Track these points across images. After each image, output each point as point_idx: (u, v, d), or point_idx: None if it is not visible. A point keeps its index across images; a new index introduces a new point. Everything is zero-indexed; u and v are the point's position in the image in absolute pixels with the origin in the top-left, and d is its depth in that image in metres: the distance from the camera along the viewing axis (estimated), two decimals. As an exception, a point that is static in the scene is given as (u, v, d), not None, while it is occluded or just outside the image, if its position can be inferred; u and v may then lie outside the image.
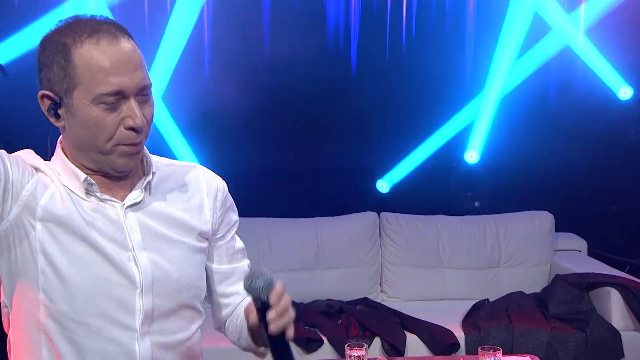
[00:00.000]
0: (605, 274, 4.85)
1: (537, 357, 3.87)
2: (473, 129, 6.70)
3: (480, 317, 4.80)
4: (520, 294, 5.06)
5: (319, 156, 6.63)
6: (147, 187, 1.76)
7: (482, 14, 6.94)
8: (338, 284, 5.26)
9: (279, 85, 6.62)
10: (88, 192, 1.68)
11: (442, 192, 6.49)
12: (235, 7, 6.65)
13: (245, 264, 2.04)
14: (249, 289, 1.69)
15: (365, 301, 5.07)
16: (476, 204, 6.36)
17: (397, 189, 6.67)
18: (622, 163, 6.49)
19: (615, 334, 4.46)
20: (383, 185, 6.42)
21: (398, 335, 4.63)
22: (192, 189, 1.87)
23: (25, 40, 6.62)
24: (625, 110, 6.70)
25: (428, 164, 6.58)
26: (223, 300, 1.97)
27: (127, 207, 1.73)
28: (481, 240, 5.35)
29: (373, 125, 6.74)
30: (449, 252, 5.34)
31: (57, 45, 1.63)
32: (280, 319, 1.61)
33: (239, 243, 2.03)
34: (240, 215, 3.99)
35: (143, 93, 1.66)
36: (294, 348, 4.41)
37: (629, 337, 4.48)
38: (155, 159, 1.85)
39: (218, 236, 1.95)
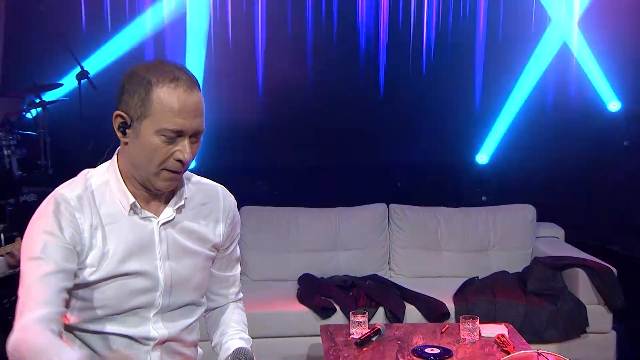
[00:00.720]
0: (576, 257, 4.90)
1: (510, 325, 4.14)
2: (487, 136, 7.03)
3: (469, 291, 4.93)
4: (504, 272, 5.18)
5: (344, 157, 6.92)
6: (179, 208, 1.89)
7: (491, 41, 7.22)
8: (352, 263, 5.37)
9: (318, 103, 7.02)
10: (131, 211, 1.81)
11: (453, 188, 6.68)
12: (285, 44, 7.11)
13: (237, 272, 2.16)
14: None
15: (374, 277, 5.19)
16: (483, 198, 6.49)
17: (409, 184, 6.96)
18: (603, 166, 6.63)
19: (581, 308, 4.57)
20: (399, 184, 6.70)
21: (399, 306, 4.75)
22: (211, 206, 1.99)
23: (110, 52, 6.84)
24: (612, 120, 6.95)
25: (440, 164, 6.84)
26: (212, 297, 2.12)
27: (161, 225, 1.86)
28: (473, 227, 5.44)
29: (391, 133, 7.04)
30: (446, 237, 5.46)
31: (143, 80, 1.74)
32: None
33: (237, 253, 2.16)
34: (275, 205, 4.44)
35: (196, 135, 1.79)
36: (312, 316, 4.77)
37: (593, 310, 4.59)
38: (185, 176, 1.95)
39: (224, 247, 2.07)
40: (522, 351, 3.48)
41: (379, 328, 3.94)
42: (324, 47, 7.36)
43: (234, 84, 7.25)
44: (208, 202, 1.98)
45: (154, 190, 1.82)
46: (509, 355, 3.43)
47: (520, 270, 5.18)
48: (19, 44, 6.95)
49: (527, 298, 4.72)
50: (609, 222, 6.58)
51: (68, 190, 1.80)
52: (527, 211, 5.41)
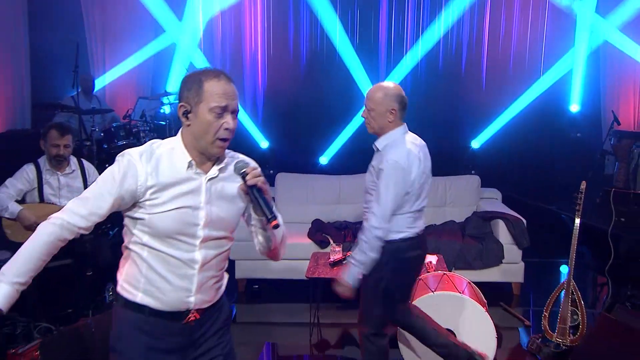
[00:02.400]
0: (499, 212, 5.18)
1: (441, 256, 4.48)
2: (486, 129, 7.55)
3: (427, 234, 4.94)
4: (452, 221, 5.48)
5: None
6: (221, 169, 1.95)
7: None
8: (351, 213, 5.61)
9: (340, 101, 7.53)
10: (188, 167, 1.86)
11: (454, 164, 7.04)
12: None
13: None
14: (235, 169, 1.94)
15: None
16: (472, 172, 6.71)
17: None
18: (558, 152, 7.07)
19: (500, 246, 4.88)
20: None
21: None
22: None
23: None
24: (571, 118, 7.47)
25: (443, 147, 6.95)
26: (252, 230, 2.09)
27: (208, 180, 1.91)
28: (435, 190, 5.54)
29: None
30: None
31: (195, 79, 1.85)
32: (253, 178, 1.89)
33: None
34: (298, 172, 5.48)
35: (234, 112, 1.89)
36: (314, 247, 4.98)
37: (508, 248, 4.88)
38: (226, 152, 1.99)
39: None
40: (434, 272, 4.01)
41: (345, 257, 4.16)
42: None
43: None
44: None
45: (209, 155, 1.88)
46: (426, 274, 3.97)
47: (462, 220, 5.42)
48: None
49: (464, 239, 5.01)
50: (551, 190, 6.91)
51: (137, 151, 1.87)
52: (474, 180, 5.69)
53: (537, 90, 7.52)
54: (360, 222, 5.16)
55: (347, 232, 5.16)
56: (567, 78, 7.45)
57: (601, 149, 6.72)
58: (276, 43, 7.81)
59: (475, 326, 3.55)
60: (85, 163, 4.45)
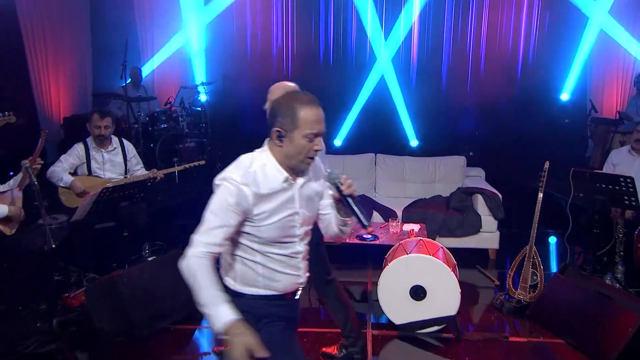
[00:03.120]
0: (480, 187, 5.27)
1: (423, 224, 4.63)
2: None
3: (415, 205, 5.35)
4: (439, 196, 5.58)
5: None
6: (308, 178, 1.99)
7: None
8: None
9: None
10: (284, 181, 1.89)
11: (450, 148, 6.64)
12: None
13: (328, 200, 2.08)
14: (328, 180, 1.98)
15: (363, 196, 5.46)
16: (471, 153, 6.80)
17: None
18: (548, 137, 6.95)
19: (479, 217, 5.02)
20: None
21: (367, 211, 4.56)
22: (318, 171, 2.07)
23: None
24: (562, 106, 7.37)
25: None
26: (322, 217, 2.14)
27: (299, 188, 1.96)
28: (426, 168, 5.79)
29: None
30: (409, 173, 5.86)
31: (290, 107, 1.85)
32: (348, 188, 1.94)
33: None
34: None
35: (323, 135, 1.93)
36: None
37: (485, 219, 5.02)
38: None
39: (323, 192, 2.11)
40: (413, 237, 4.11)
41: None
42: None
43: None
44: (319, 170, 2.08)
45: (299, 170, 1.93)
46: (407, 239, 4.04)
47: (448, 195, 5.51)
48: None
49: (447, 211, 5.12)
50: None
51: (236, 173, 1.87)
52: (461, 160, 5.77)
53: (531, 79, 7.44)
54: (360, 196, 5.08)
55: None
56: (563, 67, 7.33)
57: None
58: (299, 39, 7.88)
59: (442, 283, 3.68)
60: (125, 142, 4.71)
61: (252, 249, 1.93)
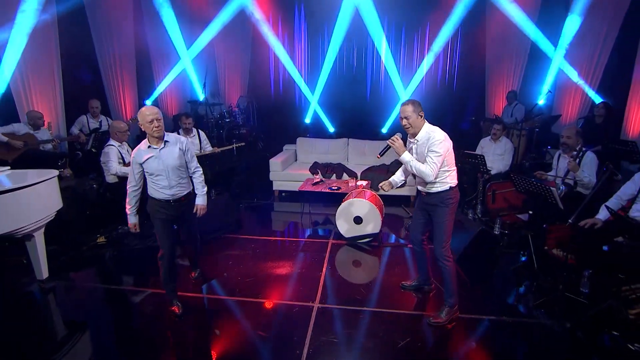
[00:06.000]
0: None
1: (370, 181, 4.61)
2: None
3: (368, 170, 5.17)
4: (383, 164, 5.27)
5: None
6: (415, 141, 2.17)
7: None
8: (332, 159, 5.57)
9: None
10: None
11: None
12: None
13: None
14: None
15: (339, 164, 5.40)
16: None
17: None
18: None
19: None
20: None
21: (341, 174, 5.08)
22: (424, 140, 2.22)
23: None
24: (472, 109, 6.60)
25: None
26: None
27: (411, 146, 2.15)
28: (377, 147, 5.46)
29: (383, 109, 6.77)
30: (368, 150, 5.65)
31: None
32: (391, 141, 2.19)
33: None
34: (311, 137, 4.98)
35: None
36: (310, 175, 4.86)
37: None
38: (427, 128, 2.15)
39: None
40: (359, 189, 4.20)
41: (322, 180, 4.44)
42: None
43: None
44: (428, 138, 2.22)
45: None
46: (355, 190, 4.18)
47: (389, 164, 5.19)
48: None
49: (387, 172, 4.87)
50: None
51: (441, 134, 2.06)
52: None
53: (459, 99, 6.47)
54: (337, 164, 5.23)
55: (328, 167, 5.21)
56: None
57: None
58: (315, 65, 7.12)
59: (371, 214, 3.90)
60: (200, 132, 4.88)
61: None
